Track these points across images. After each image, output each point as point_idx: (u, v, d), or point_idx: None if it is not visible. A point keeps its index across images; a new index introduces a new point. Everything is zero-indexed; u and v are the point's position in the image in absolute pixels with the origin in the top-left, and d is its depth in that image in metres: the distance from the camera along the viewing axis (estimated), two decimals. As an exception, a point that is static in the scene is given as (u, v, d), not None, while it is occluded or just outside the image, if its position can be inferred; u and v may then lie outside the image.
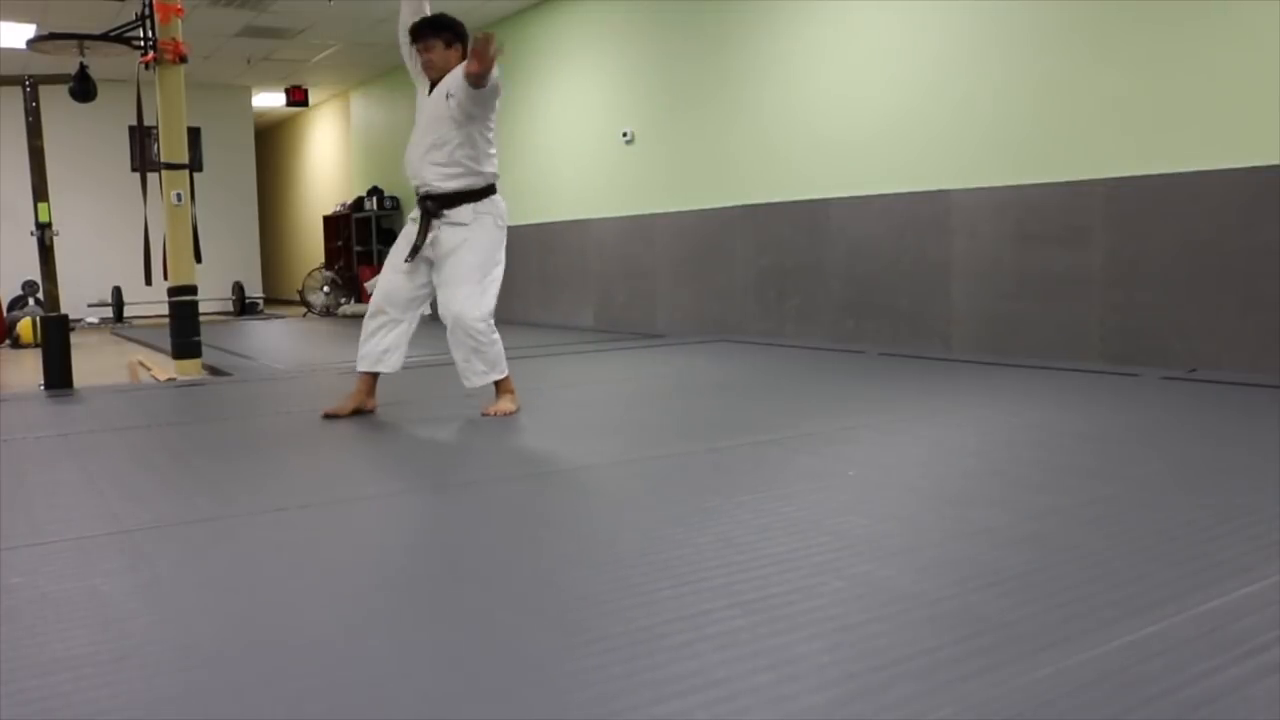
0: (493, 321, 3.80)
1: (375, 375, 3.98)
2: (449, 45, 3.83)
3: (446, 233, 3.75)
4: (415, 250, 3.78)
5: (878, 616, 1.64)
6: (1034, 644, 1.50)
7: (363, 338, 3.95)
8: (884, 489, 2.55)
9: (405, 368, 5.77)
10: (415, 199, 3.87)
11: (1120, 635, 1.52)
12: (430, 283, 3.88)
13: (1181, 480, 2.59)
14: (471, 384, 3.87)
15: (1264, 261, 4.22)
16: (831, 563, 1.93)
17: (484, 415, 3.81)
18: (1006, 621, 1.60)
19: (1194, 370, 4.40)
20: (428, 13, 3.93)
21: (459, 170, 3.74)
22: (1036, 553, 1.97)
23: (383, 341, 3.91)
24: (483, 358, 3.81)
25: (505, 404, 3.88)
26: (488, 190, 3.81)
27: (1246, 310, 4.30)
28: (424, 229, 3.78)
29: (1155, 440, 3.16)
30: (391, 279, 3.90)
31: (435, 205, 3.76)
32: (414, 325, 3.99)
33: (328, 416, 3.91)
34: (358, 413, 3.94)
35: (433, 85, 3.86)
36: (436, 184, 3.76)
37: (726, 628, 1.60)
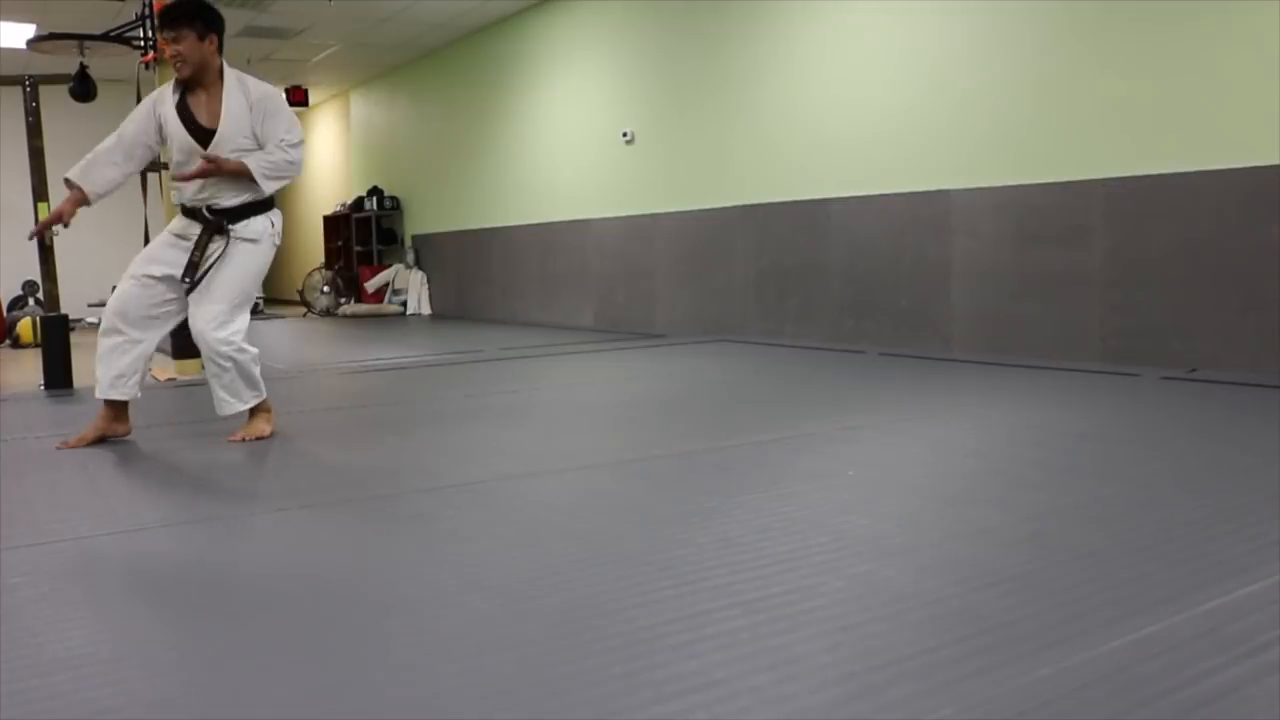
0: (243, 343, 3.44)
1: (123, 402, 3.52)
2: (202, 37, 3.36)
3: (233, 247, 3.43)
4: (193, 267, 3.40)
5: (878, 616, 1.64)
6: (1034, 644, 1.50)
7: (98, 357, 3.47)
8: (884, 489, 2.55)
9: (405, 368, 5.76)
10: (181, 211, 3.51)
11: (1120, 635, 1.52)
12: (178, 298, 3.49)
13: (1181, 480, 2.59)
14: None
15: (1264, 261, 4.22)
16: (831, 563, 1.93)
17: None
18: (1006, 621, 1.60)
19: (1194, 370, 4.40)
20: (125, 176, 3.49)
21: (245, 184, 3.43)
22: (1036, 553, 1.97)
23: (117, 365, 3.44)
24: (224, 383, 3.46)
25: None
26: (269, 203, 3.54)
27: (1246, 310, 4.30)
28: (203, 243, 3.41)
29: (1155, 440, 3.15)
30: (132, 292, 3.45)
31: (219, 219, 3.42)
32: (153, 346, 3.55)
33: (64, 446, 3.44)
34: (103, 440, 3.50)
35: (188, 86, 3.43)
36: (223, 199, 3.42)
37: (726, 628, 1.60)
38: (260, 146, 3.44)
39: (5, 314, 9.63)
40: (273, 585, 1.94)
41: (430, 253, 11.61)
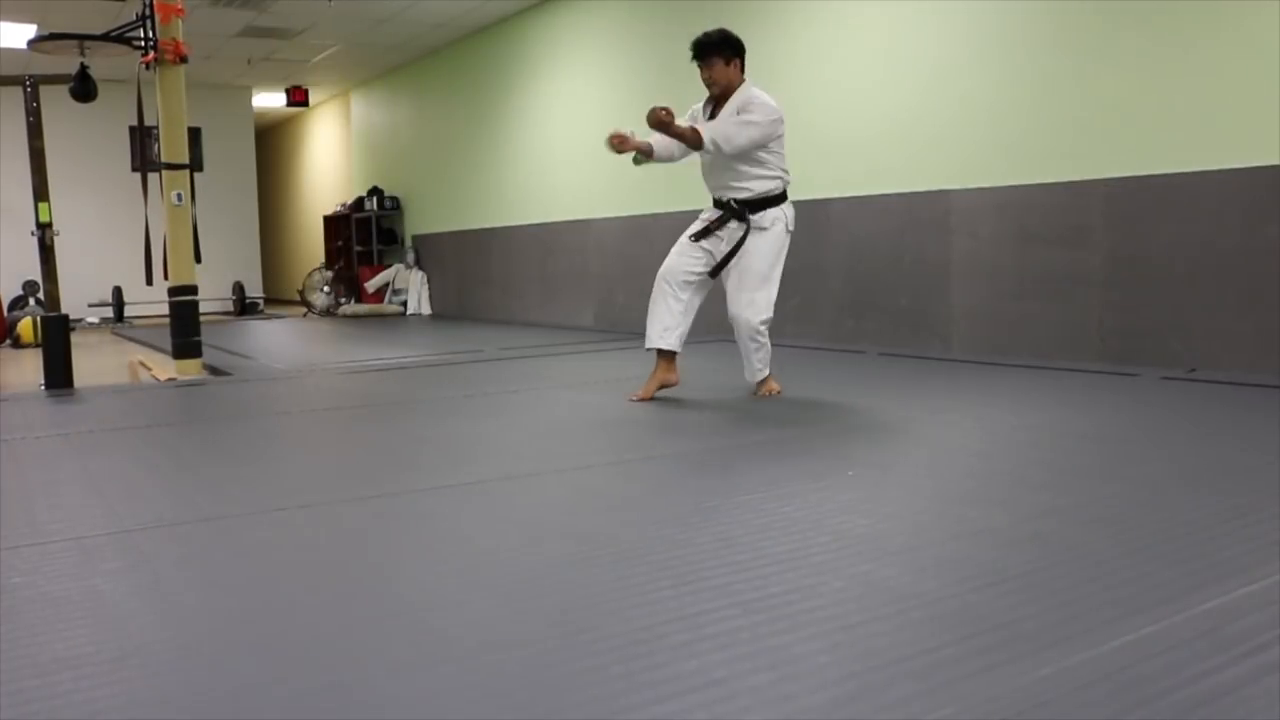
0: (765, 326, 4.09)
1: (671, 352, 4.13)
2: (728, 62, 4.03)
3: (751, 235, 4.02)
4: (707, 232, 4.06)
5: (878, 616, 1.64)
6: (1034, 644, 1.50)
7: (650, 315, 4.11)
8: (884, 489, 2.55)
9: (406, 368, 5.77)
10: (713, 204, 4.14)
11: (1120, 635, 1.52)
12: (707, 271, 4.10)
13: (1181, 480, 2.59)
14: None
15: (1264, 261, 4.22)
16: (831, 563, 1.93)
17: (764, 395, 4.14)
18: (1006, 621, 1.60)
19: (1194, 370, 4.40)
20: (677, 158, 4.13)
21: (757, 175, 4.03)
22: (1037, 553, 1.97)
23: (663, 318, 4.07)
24: (759, 356, 4.13)
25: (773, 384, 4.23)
26: (783, 196, 4.13)
27: (1246, 310, 4.30)
28: (723, 225, 4.05)
29: (1155, 440, 3.15)
30: (672, 259, 4.12)
31: (741, 209, 4.04)
32: (694, 308, 4.14)
33: (637, 400, 4.09)
34: (662, 387, 4.15)
35: (717, 102, 4.07)
36: (740, 194, 4.05)
37: (726, 628, 1.60)
38: (749, 150, 3.97)
39: (6, 314, 9.63)
40: (272, 585, 1.94)
41: (430, 253, 11.61)
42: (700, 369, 5.33)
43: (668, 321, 4.05)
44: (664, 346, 4.06)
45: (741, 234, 4.02)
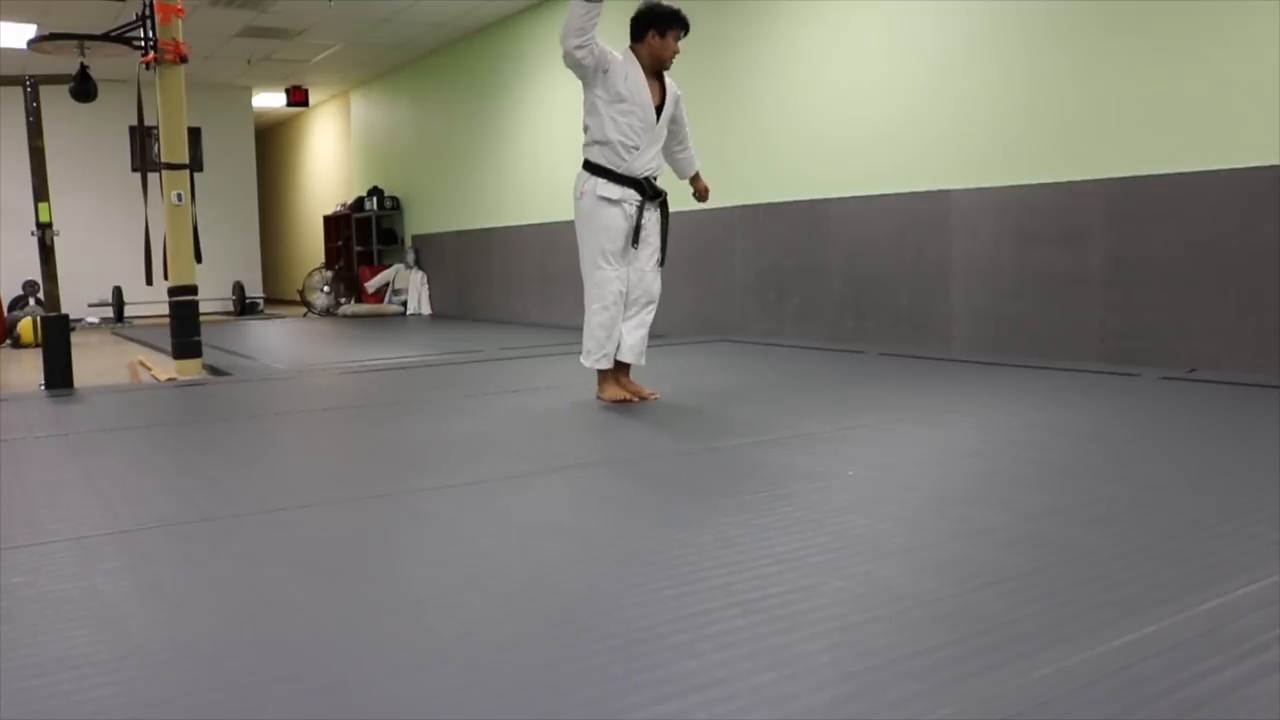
0: None
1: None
2: None
3: (652, 215, 4.13)
4: (637, 234, 4.06)
5: (878, 616, 1.64)
6: (1034, 644, 1.50)
7: (605, 336, 4.00)
8: (884, 489, 2.55)
9: (406, 368, 5.77)
10: (617, 181, 3.97)
11: (1120, 635, 1.52)
12: None
13: (1181, 480, 2.59)
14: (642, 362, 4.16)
15: (1264, 261, 4.22)
16: (831, 563, 1.93)
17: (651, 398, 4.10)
18: (1006, 621, 1.60)
19: (1194, 370, 4.40)
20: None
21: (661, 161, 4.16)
22: (1036, 553, 1.97)
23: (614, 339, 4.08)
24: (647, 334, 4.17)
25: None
26: None
27: (1246, 310, 4.30)
28: (642, 208, 4.05)
29: (1155, 440, 3.16)
30: (624, 276, 4.05)
31: (653, 190, 4.08)
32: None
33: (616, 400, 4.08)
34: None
35: (655, 70, 4.09)
36: (657, 170, 4.11)
37: (726, 628, 1.60)
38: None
39: (6, 314, 9.63)
40: (272, 585, 1.94)
41: (430, 253, 11.61)
42: (700, 369, 5.33)
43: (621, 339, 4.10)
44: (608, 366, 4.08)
45: (650, 212, 4.10)
